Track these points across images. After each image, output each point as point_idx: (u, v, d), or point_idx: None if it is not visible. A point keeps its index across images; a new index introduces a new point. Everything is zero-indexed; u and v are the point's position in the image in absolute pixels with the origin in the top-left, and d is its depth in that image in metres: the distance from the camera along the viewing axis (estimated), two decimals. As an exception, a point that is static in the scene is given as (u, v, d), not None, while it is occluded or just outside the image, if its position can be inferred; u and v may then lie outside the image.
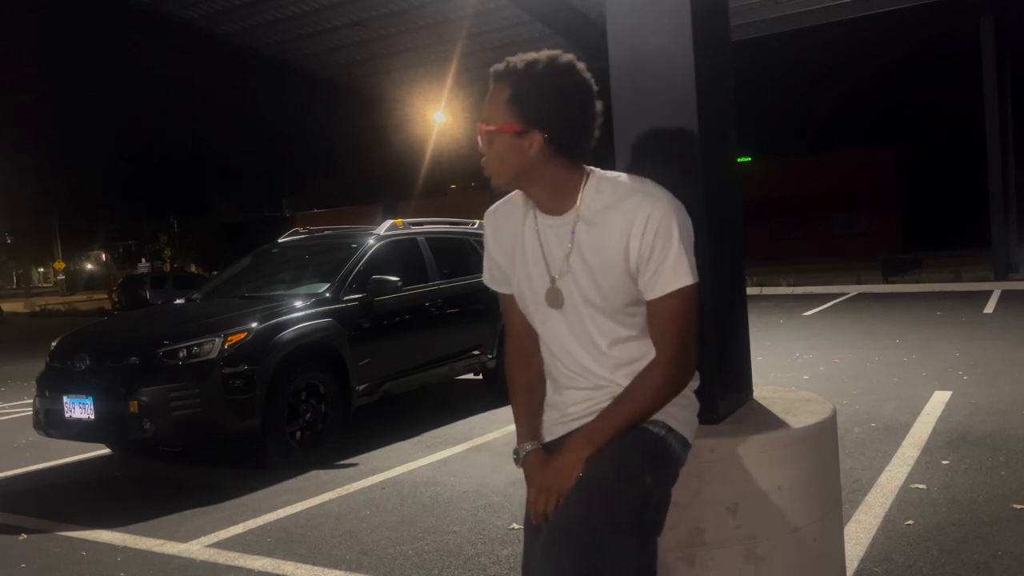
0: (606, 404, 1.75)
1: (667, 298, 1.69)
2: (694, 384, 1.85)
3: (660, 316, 1.71)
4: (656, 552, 1.64)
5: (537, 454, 1.79)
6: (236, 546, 3.77)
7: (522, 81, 1.67)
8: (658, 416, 1.74)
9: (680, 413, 1.79)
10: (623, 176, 1.76)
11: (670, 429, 1.75)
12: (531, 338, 1.89)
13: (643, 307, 1.74)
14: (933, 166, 41.43)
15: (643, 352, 1.76)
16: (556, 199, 1.74)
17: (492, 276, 1.92)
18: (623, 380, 1.75)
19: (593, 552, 1.50)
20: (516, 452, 1.83)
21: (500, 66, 1.71)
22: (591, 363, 1.77)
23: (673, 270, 1.67)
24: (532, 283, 1.79)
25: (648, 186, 1.72)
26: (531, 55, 1.70)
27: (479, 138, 1.73)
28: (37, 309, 31.11)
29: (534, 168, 1.70)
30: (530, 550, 1.72)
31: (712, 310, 2.23)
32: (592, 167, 1.78)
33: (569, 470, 1.65)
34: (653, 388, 1.71)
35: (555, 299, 1.76)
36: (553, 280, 1.75)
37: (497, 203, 1.90)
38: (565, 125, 1.68)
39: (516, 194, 1.85)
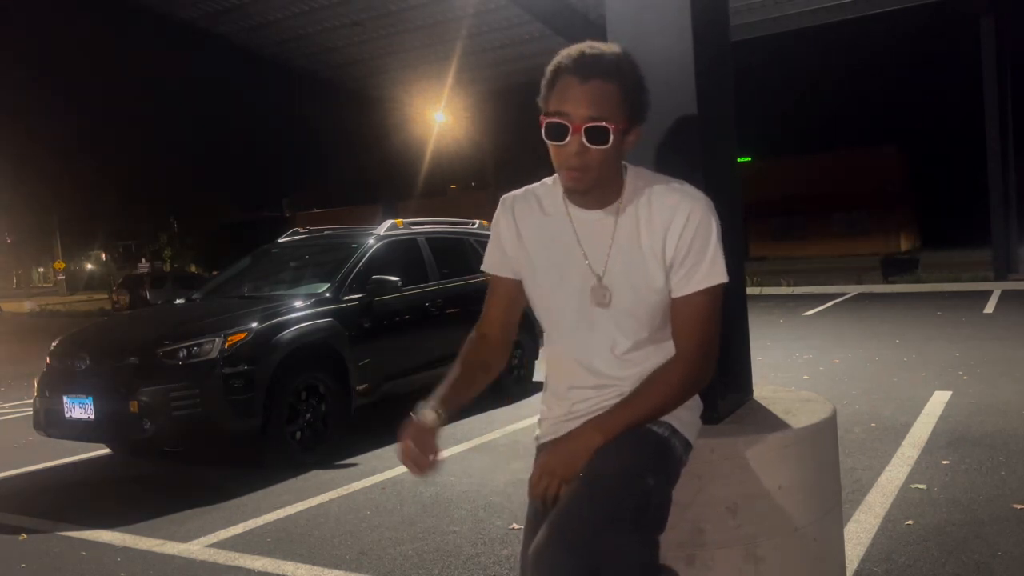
0: (609, 402, 1.74)
1: (699, 295, 1.69)
2: None
3: (688, 312, 1.70)
4: (658, 550, 1.63)
5: (430, 415, 1.69)
6: (236, 546, 3.77)
7: (628, 79, 1.63)
8: (664, 417, 1.73)
9: (686, 415, 1.78)
10: (657, 174, 1.76)
11: (675, 431, 1.74)
12: (502, 333, 1.89)
13: (665, 308, 1.73)
14: (933, 166, 41.49)
15: (653, 356, 1.75)
16: (604, 194, 1.71)
17: (493, 261, 1.87)
18: (631, 382, 1.74)
19: (593, 552, 1.49)
20: (419, 405, 1.72)
21: (601, 59, 1.61)
22: (604, 364, 1.76)
23: (709, 268, 1.68)
24: (564, 277, 1.76)
25: (686, 186, 1.73)
26: (612, 48, 1.65)
27: (573, 137, 1.60)
28: (37, 309, 31.10)
29: (618, 164, 1.69)
30: (528, 551, 1.72)
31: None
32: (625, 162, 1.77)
33: (576, 457, 1.64)
34: (673, 384, 1.70)
35: (602, 297, 1.73)
36: (599, 278, 1.73)
37: (516, 192, 1.85)
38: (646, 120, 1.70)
39: (537, 188, 1.82)
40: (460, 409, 1.77)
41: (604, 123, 1.58)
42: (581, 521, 1.52)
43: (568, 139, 1.61)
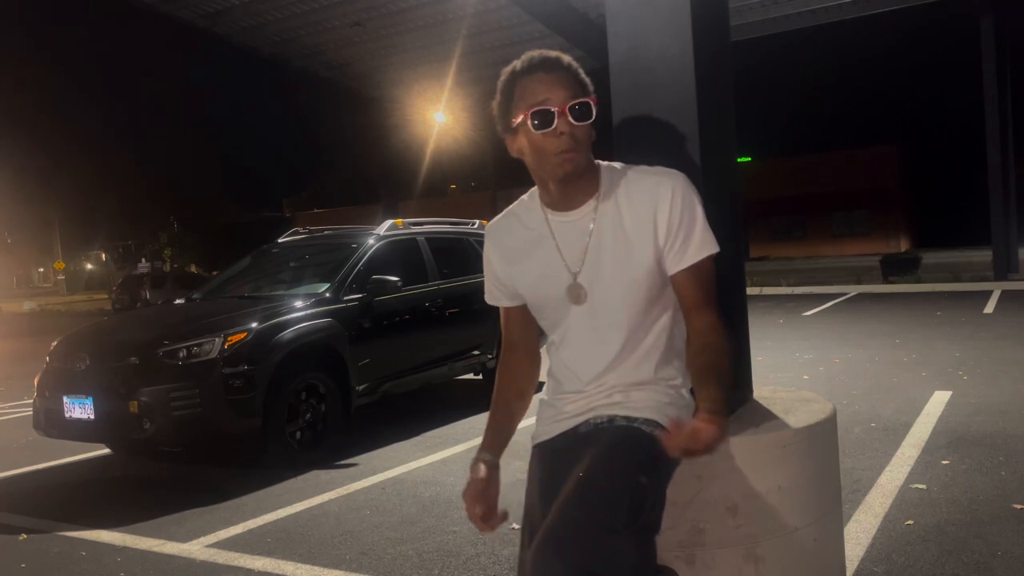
0: (600, 403, 1.76)
1: (699, 265, 1.72)
2: (689, 383, 1.85)
3: (694, 282, 1.72)
4: (655, 549, 1.63)
5: (484, 467, 1.80)
6: (236, 546, 3.78)
7: (577, 71, 1.71)
8: (652, 416, 1.74)
9: (674, 413, 1.78)
10: (626, 165, 1.80)
11: (663, 428, 1.74)
12: (527, 354, 1.95)
13: (659, 300, 1.75)
14: (933, 166, 41.52)
15: (646, 356, 1.76)
16: (584, 189, 1.75)
17: (493, 293, 1.93)
18: (618, 380, 1.76)
19: (588, 554, 1.48)
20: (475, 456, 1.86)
21: (556, 57, 1.70)
22: (596, 364, 1.77)
23: (702, 237, 1.72)
24: (547, 284, 1.79)
25: (657, 167, 1.77)
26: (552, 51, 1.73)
27: (560, 119, 1.66)
28: (37, 309, 31.10)
29: (590, 152, 1.74)
30: (526, 552, 1.72)
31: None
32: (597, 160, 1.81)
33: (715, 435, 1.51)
34: (725, 347, 1.69)
35: (577, 295, 1.75)
36: (574, 276, 1.75)
37: (497, 218, 1.91)
38: None
39: (515, 207, 1.87)
40: (506, 444, 1.90)
41: (586, 98, 1.67)
42: (576, 524, 1.52)
43: (556, 123, 1.66)
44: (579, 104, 1.66)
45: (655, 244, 1.71)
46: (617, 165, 1.80)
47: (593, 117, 1.68)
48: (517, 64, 1.72)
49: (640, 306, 1.74)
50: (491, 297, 1.94)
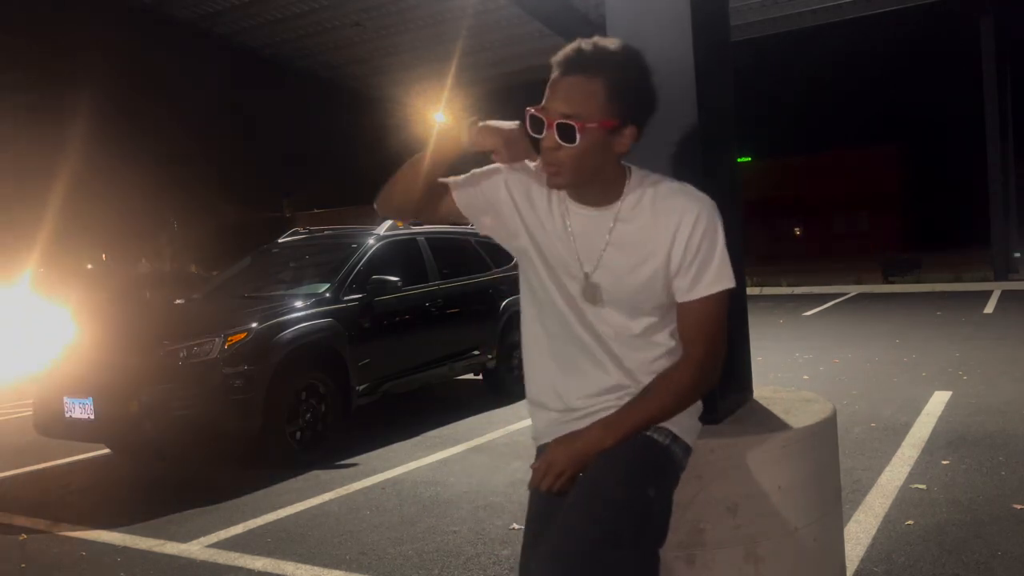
0: (612, 407, 1.70)
1: (707, 300, 1.65)
2: None
3: (696, 317, 1.66)
4: (658, 562, 1.60)
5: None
6: (236, 546, 3.77)
7: (617, 75, 1.56)
8: (664, 424, 1.70)
9: (686, 420, 1.75)
10: (661, 176, 1.71)
11: (675, 438, 1.71)
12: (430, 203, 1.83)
13: (661, 310, 1.69)
14: (933, 166, 41.49)
15: (650, 355, 1.72)
16: (601, 192, 1.66)
17: (466, 185, 1.77)
18: (632, 386, 1.71)
19: (593, 567, 1.46)
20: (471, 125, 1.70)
21: (584, 53, 1.56)
22: (609, 371, 1.72)
23: (717, 272, 1.64)
24: (554, 275, 1.70)
25: (689, 188, 1.68)
26: (607, 43, 1.59)
27: (548, 132, 1.57)
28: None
29: (609, 164, 1.63)
30: (527, 552, 1.71)
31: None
32: (629, 164, 1.72)
33: (583, 455, 1.64)
34: (681, 388, 1.67)
35: (593, 295, 1.68)
36: (587, 276, 1.67)
37: (531, 165, 1.73)
38: (648, 120, 1.64)
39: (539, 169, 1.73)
40: None
41: (571, 121, 1.54)
42: (580, 537, 1.49)
43: (544, 134, 1.59)
44: (563, 124, 1.55)
45: (667, 267, 1.64)
46: (649, 174, 1.70)
47: (575, 143, 1.54)
48: (561, 49, 1.61)
49: (653, 317, 1.70)
50: (462, 193, 1.77)
